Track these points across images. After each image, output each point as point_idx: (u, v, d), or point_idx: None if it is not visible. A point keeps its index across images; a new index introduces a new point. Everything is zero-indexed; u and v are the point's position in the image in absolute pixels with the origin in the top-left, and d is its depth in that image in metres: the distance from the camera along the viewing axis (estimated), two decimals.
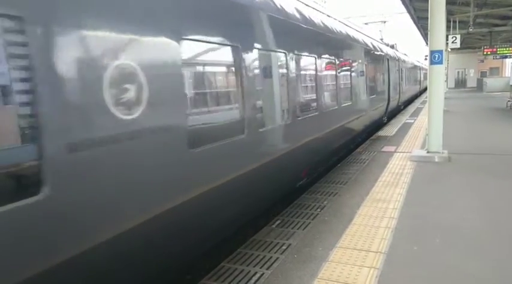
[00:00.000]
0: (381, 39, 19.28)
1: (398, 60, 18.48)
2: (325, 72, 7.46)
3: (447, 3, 9.19)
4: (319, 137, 6.98)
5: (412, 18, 24.32)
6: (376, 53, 12.64)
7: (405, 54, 26.54)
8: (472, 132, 11.96)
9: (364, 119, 10.81)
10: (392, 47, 20.59)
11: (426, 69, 35.75)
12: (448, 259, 3.94)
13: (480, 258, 3.94)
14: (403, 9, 21.73)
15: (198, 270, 4.46)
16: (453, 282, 3.54)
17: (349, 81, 9.10)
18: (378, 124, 14.26)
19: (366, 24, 24.19)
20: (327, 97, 7.44)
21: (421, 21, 24.57)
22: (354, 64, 9.51)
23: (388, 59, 14.93)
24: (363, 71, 10.34)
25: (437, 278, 3.61)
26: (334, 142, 8.36)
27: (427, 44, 9.49)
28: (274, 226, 5.20)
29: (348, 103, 8.91)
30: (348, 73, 9.04)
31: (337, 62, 8.08)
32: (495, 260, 3.88)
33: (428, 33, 8.50)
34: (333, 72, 7.92)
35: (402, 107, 21.37)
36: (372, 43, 12.57)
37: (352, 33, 10.23)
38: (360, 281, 3.60)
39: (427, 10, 8.49)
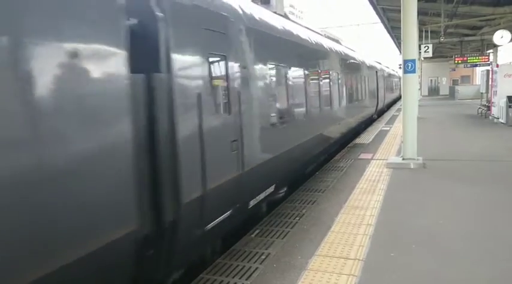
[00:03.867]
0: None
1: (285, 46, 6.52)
2: None
3: (419, 13, 9.48)
4: None
5: (386, 28, 25.00)
6: None
7: (350, 48, 14.20)
8: (445, 139, 12.28)
9: None
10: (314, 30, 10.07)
11: (392, 76, 35.32)
12: (424, 265, 4.01)
13: (455, 263, 4.03)
14: (378, 19, 22.32)
15: (176, 282, 4.38)
16: None
17: None
18: None
19: None
20: None
21: (395, 31, 25.28)
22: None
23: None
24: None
25: None
26: None
27: (400, 53, 9.70)
28: (253, 235, 5.19)
29: None
30: None
31: None
32: (470, 265, 3.98)
33: (402, 42, 8.74)
34: None
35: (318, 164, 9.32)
36: None
37: None
38: None
39: (400, 20, 8.74)
